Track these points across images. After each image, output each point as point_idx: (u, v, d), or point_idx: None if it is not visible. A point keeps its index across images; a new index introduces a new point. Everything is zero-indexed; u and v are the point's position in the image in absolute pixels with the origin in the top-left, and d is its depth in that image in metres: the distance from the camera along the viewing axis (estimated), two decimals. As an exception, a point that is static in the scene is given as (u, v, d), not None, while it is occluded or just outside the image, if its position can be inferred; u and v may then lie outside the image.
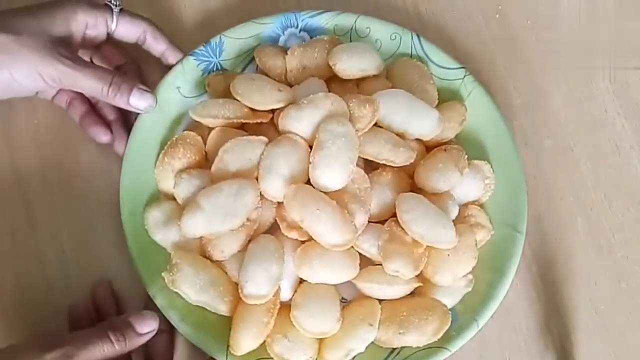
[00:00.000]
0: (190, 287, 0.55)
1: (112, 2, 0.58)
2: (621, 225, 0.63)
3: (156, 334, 0.53)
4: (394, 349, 0.57)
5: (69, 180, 0.62)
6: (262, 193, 0.57)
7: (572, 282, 0.62)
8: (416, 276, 0.56)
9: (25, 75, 0.54)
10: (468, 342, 0.56)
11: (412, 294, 0.58)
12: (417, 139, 0.60)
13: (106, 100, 0.57)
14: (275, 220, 0.58)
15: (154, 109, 0.58)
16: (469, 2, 0.68)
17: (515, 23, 0.68)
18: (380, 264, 0.56)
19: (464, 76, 0.62)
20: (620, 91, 0.66)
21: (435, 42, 0.63)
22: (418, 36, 0.63)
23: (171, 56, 0.62)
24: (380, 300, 0.57)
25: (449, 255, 0.56)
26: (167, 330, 0.57)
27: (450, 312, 0.56)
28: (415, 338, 0.55)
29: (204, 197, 0.55)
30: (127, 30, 0.59)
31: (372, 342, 0.56)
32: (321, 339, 0.56)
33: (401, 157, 0.57)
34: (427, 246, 0.56)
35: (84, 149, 0.63)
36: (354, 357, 0.56)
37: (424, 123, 0.59)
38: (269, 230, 0.59)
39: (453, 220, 0.57)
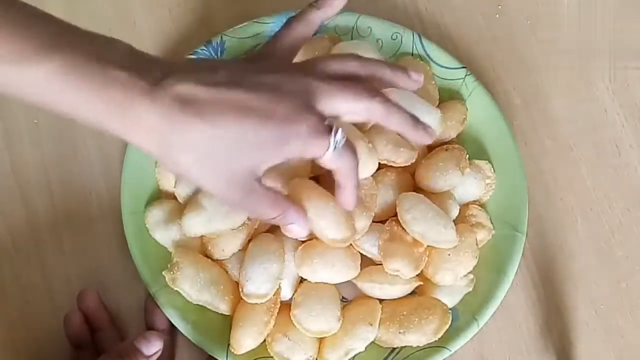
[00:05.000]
0: (191, 286, 0.55)
1: (337, 139, 0.45)
2: (621, 225, 0.63)
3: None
4: (394, 349, 0.57)
5: (69, 180, 0.62)
6: (263, 192, 0.57)
7: (572, 282, 0.62)
8: (417, 276, 0.56)
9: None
10: (468, 341, 0.56)
11: (412, 293, 0.58)
12: (418, 139, 0.60)
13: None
14: (276, 219, 0.58)
15: None
16: (469, 2, 0.68)
17: (515, 23, 0.68)
18: (381, 264, 0.56)
19: (465, 76, 0.62)
20: (620, 91, 0.66)
21: (435, 42, 0.63)
22: (419, 36, 0.63)
23: (345, 196, 0.51)
24: (380, 300, 0.57)
25: (449, 255, 0.56)
26: (168, 329, 0.57)
27: (450, 311, 0.56)
28: (416, 337, 0.55)
29: (205, 196, 0.55)
30: (331, 164, 0.47)
31: (373, 342, 0.56)
32: (321, 338, 0.56)
33: (402, 157, 0.57)
34: (428, 246, 0.56)
35: (84, 149, 0.63)
36: (354, 356, 0.56)
37: (425, 122, 0.59)
38: (270, 230, 0.59)
39: (454, 220, 0.57)
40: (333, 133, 0.45)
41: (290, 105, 0.43)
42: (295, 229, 0.51)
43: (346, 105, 0.46)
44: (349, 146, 0.47)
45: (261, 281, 0.54)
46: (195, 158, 0.42)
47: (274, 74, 0.45)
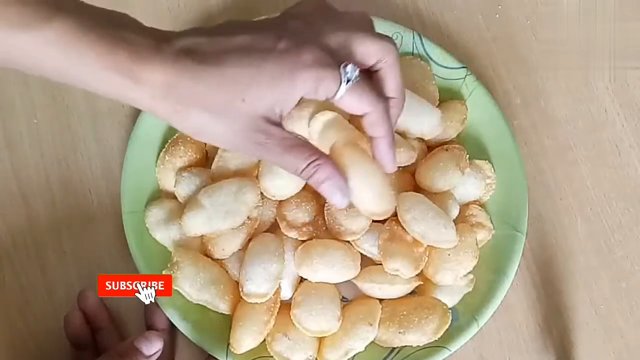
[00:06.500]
0: (191, 286, 0.55)
1: (348, 71, 0.44)
2: (621, 225, 0.63)
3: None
4: (394, 348, 0.57)
5: (69, 180, 0.62)
6: (263, 192, 0.57)
7: (572, 282, 0.62)
8: (417, 275, 0.56)
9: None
10: (468, 341, 0.56)
11: (412, 293, 0.58)
12: (418, 138, 0.60)
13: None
14: (276, 219, 0.58)
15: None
16: (469, 2, 0.68)
17: (515, 23, 0.68)
18: (381, 264, 0.56)
19: (465, 76, 0.62)
20: (620, 91, 0.66)
21: (436, 42, 0.63)
22: (420, 35, 0.63)
23: (380, 148, 0.48)
24: (380, 300, 0.57)
25: (449, 254, 0.56)
26: (168, 329, 0.57)
27: (450, 311, 0.56)
28: (416, 337, 0.55)
29: (205, 195, 0.55)
30: (353, 104, 0.46)
31: (373, 342, 0.56)
32: (321, 337, 0.56)
33: (402, 157, 0.57)
34: (428, 246, 0.56)
35: (84, 149, 0.63)
36: (354, 356, 0.56)
37: (426, 122, 0.59)
38: (270, 229, 0.59)
39: (454, 220, 0.57)
40: (342, 65, 0.43)
41: (292, 39, 0.43)
42: (335, 196, 0.47)
43: (355, 39, 0.45)
44: (370, 87, 0.46)
45: (261, 281, 0.54)
46: (205, 109, 0.42)
47: (274, 21, 0.46)
